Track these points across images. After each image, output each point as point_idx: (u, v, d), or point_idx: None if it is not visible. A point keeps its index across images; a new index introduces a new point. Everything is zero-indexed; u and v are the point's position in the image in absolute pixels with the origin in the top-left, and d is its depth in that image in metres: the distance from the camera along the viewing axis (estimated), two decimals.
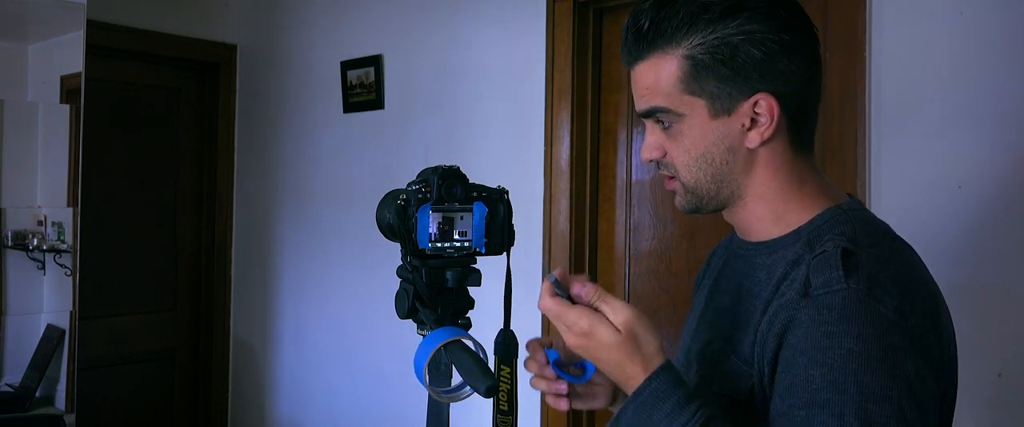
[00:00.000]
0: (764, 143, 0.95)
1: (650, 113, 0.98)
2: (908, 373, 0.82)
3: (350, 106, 3.01)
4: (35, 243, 2.63)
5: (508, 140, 2.55)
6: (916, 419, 0.81)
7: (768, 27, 0.92)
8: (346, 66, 3.00)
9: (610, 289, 2.45)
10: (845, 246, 0.89)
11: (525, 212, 2.28)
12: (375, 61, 2.91)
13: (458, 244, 1.00)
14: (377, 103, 2.92)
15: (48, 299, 2.66)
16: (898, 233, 1.00)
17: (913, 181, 1.77)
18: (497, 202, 1.02)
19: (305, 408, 3.23)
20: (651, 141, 1.00)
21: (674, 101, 0.95)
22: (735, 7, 0.92)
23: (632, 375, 0.87)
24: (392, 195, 1.04)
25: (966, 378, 1.68)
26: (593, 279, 2.47)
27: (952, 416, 0.96)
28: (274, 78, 3.37)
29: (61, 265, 2.61)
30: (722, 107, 0.94)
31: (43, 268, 2.64)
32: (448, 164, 1.01)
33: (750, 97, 0.94)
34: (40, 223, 2.65)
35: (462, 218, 1.00)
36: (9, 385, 2.57)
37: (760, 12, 0.92)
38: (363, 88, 2.96)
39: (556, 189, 2.41)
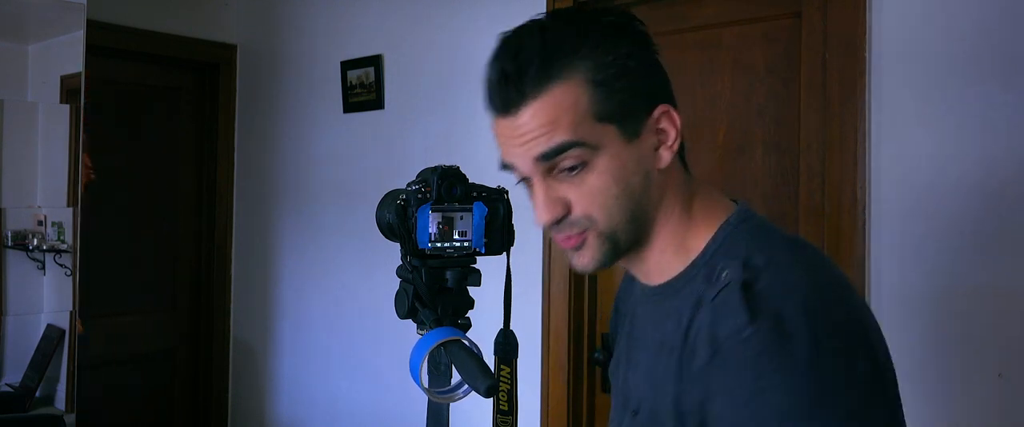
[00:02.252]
0: (670, 162, 0.89)
1: (559, 151, 0.85)
2: (849, 404, 0.75)
3: (350, 106, 3.01)
4: (35, 243, 2.63)
5: None
6: None
7: (640, 41, 0.89)
8: (346, 66, 3.00)
9: (610, 288, 2.45)
10: (743, 278, 0.81)
11: (525, 212, 2.27)
12: (375, 61, 2.91)
13: (458, 244, 1.00)
14: (377, 103, 2.92)
15: (48, 299, 2.66)
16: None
17: (913, 181, 1.77)
18: (497, 202, 1.02)
19: (305, 408, 3.23)
20: (548, 197, 0.87)
21: (586, 132, 0.85)
22: (617, 25, 0.89)
23: None
24: (392, 195, 1.04)
25: (966, 378, 1.68)
26: (593, 279, 2.46)
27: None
28: (274, 78, 3.37)
29: (61, 265, 2.61)
30: (633, 130, 0.87)
31: (43, 268, 2.64)
32: (448, 164, 1.01)
33: (652, 112, 0.88)
34: (40, 223, 2.65)
35: (462, 218, 1.00)
36: (9, 385, 2.57)
37: (631, 28, 0.89)
38: (363, 88, 2.96)
39: None
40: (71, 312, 2.60)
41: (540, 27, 0.88)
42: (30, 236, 2.63)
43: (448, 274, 0.99)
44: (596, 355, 2.37)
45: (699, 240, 0.91)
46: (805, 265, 0.84)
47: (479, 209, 1.01)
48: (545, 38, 0.86)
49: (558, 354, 2.38)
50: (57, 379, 2.60)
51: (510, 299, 1.08)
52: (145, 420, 3.39)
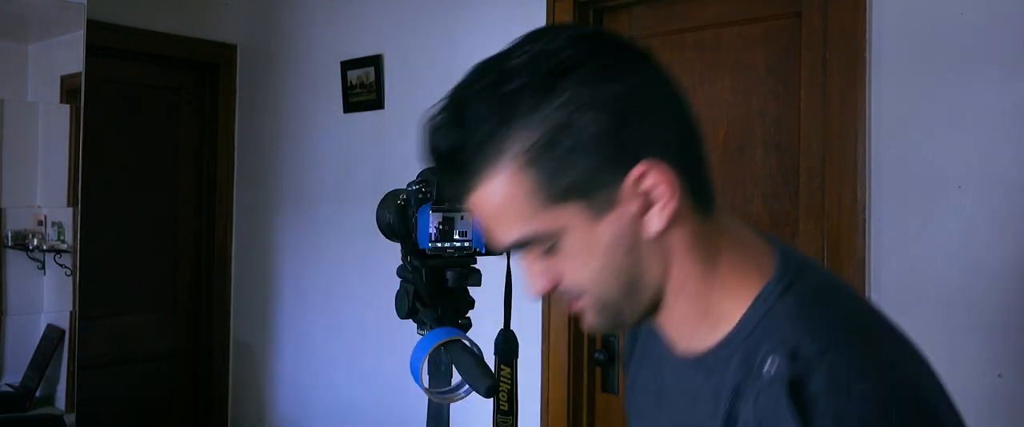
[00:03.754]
0: (670, 224, 0.73)
1: (516, 247, 0.75)
2: None
3: (350, 106, 3.01)
4: (35, 243, 2.63)
5: None
6: None
7: (594, 86, 0.70)
8: (346, 66, 3.00)
9: None
10: (790, 376, 0.67)
11: None
12: (375, 61, 2.91)
13: (458, 244, 1.00)
14: (377, 103, 2.92)
15: (48, 299, 2.66)
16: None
17: (913, 181, 1.77)
18: None
19: (305, 408, 3.23)
20: (535, 271, 0.77)
21: (541, 221, 0.72)
22: (553, 75, 0.70)
23: None
24: (392, 195, 1.04)
25: (966, 378, 1.68)
26: None
27: None
28: (274, 78, 3.37)
29: (61, 265, 2.61)
30: (604, 200, 0.72)
31: (43, 268, 2.64)
32: None
33: (626, 175, 0.71)
34: (40, 223, 2.65)
35: (462, 218, 1.00)
36: (9, 385, 2.57)
37: (585, 70, 0.70)
38: (363, 88, 2.96)
39: None
40: (71, 312, 2.60)
41: (459, 103, 0.75)
42: (30, 236, 2.63)
43: (448, 274, 0.99)
44: (596, 355, 2.37)
45: (731, 307, 0.76)
46: (869, 356, 0.69)
47: None
48: (464, 120, 0.73)
49: (558, 354, 2.38)
50: (57, 379, 2.60)
51: (510, 299, 1.08)
52: (145, 420, 3.39)
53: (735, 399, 0.72)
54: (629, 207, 0.72)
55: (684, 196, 0.73)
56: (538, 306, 2.42)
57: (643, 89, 0.73)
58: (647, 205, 0.73)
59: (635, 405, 0.96)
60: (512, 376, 1.06)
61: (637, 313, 0.78)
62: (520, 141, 0.70)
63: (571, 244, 0.73)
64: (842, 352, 0.68)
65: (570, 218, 0.72)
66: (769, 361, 0.69)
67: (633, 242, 0.74)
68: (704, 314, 0.78)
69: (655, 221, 0.73)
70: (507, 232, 0.74)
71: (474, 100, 0.74)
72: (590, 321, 0.79)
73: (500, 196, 0.72)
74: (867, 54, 1.83)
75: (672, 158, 0.72)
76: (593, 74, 0.70)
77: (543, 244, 0.74)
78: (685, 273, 0.76)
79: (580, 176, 0.71)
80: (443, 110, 0.76)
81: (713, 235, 0.77)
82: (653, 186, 0.72)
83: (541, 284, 0.77)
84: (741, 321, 0.75)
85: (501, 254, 0.84)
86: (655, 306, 0.78)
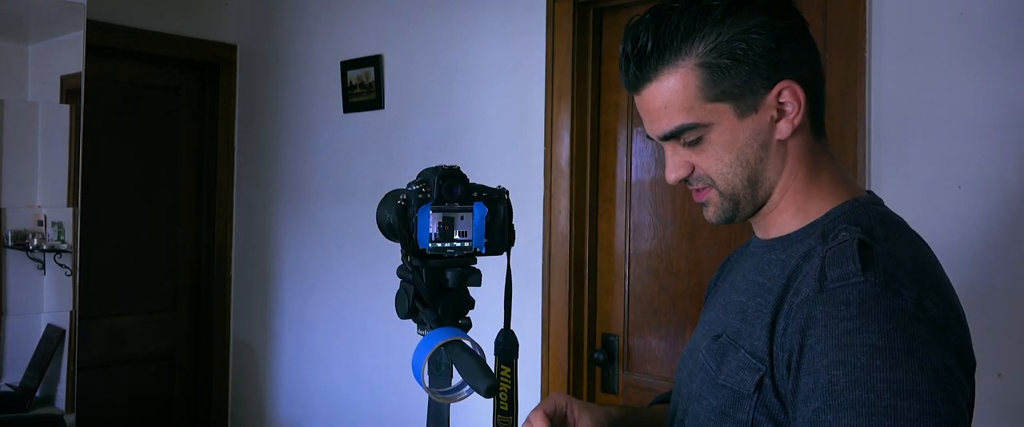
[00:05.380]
0: (793, 133, 0.95)
1: (676, 134, 0.95)
2: (936, 366, 0.79)
3: (350, 106, 3.01)
4: (35, 243, 2.63)
5: (508, 140, 2.55)
6: (950, 413, 0.77)
7: (769, 16, 0.92)
8: (346, 66, 3.00)
9: (610, 289, 2.45)
10: (861, 238, 0.87)
11: (525, 212, 2.28)
12: (375, 61, 2.91)
13: (458, 244, 1.00)
14: (377, 103, 2.92)
15: (48, 299, 2.66)
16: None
17: (913, 181, 1.77)
18: (497, 202, 1.02)
19: (305, 408, 3.23)
20: (676, 161, 0.97)
21: (698, 113, 0.93)
22: (734, 4, 0.91)
23: None
24: (392, 195, 1.04)
25: None
26: (593, 279, 2.46)
27: (972, 414, 0.91)
28: (274, 78, 3.37)
29: (61, 265, 2.61)
30: (748, 105, 0.93)
31: (43, 268, 2.64)
32: (448, 164, 1.01)
33: (772, 88, 0.93)
34: (40, 223, 2.65)
35: (462, 218, 1.00)
36: (9, 385, 2.57)
37: (757, 4, 0.92)
38: (363, 88, 2.96)
39: (556, 189, 2.41)
40: (71, 312, 2.60)
41: (661, 13, 0.93)
42: (30, 236, 2.63)
43: (448, 274, 0.99)
44: (596, 355, 2.37)
45: (822, 206, 0.97)
46: (924, 255, 0.91)
47: (479, 209, 1.01)
48: (661, 26, 0.92)
49: (558, 354, 2.39)
50: (57, 379, 2.60)
51: (510, 299, 1.08)
52: (145, 420, 3.39)
53: (806, 259, 0.91)
54: (767, 114, 0.94)
55: (806, 115, 0.95)
56: (538, 306, 2.42)
57: (797, 29, 0.95)
58: (780, 115, 0.94)
59: (704, 314, 1.14)
60: (512, 376, 1.06)
61: (752, 205, 0.98)
62: (700, 48, 0.91)
63: (716, 137, 0.94)
64: (906, 250, 0.88)
65: (720, 115, 0.93)
66: (844, 233, 0.89)
67: (764, 142, 0.95)
68: (797, 209, 0.98)
69: (784, 127, 0.94)
70: (669, 120, 0.94)
71: (674, 11, 0.92)
72: (711, 211, 0.99)
73: (671, 90, 0.93)
74: (867, 54, 1.83)
75: (804, 84, 0.94)
76: (766, 7, 0.92)
77: (695, 133, 0.94)
78: (794, 175, 0.97)
79: (737, 83, 0.92)
80: (647, 13, 0.95)
81: (819, 154, 0.98)
82: (788, 101, 0.94)
83: (677, 173, 0.97)
84: (828, 213, 0.96)
85: (660, 140, 0.97)
86: (764, 202, 0.98)
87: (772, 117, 0.94)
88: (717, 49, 0.91)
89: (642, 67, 0.94)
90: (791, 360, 0.86)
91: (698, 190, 0.99)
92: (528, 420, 1.06)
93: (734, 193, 0.96)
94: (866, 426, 0.76)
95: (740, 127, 0.93)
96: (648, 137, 1.01)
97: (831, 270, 0.85)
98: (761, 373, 0.89)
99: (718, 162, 0.95)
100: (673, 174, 0.98)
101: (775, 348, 0.89)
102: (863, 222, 0.91)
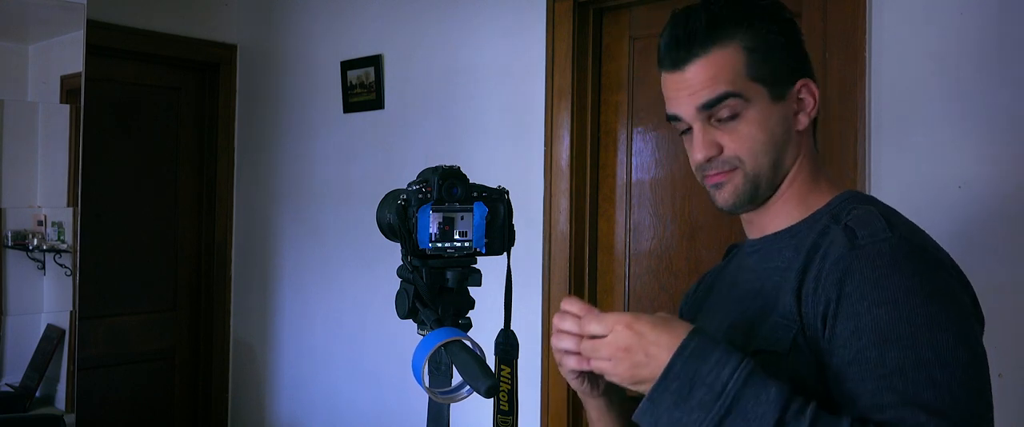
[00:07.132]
0: (806, 129, 1.05)
1: (717, 101, 1.00)
2: (965, 306, 0.92)
3: (350, 106, 3.01)
4: (35, 243, 2.63)
5: (508, 140, 2.55)
6: (978, 348, 0.89)
7: (788, 24, 1.05)
8: (346, 66, 3.00)
9: (610, 289, 2.44)
10: (882, 210, 0.98)
11: (525, 212, 2.28)
12: (375, 61, 2.91)
13: (458, 244, 1.00)
14: (377, 103, 2.92)
15: (48, 299, 2.67)
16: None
17: (913, 181, 1.77)
18: (497, 202, 1.02)
19: (305, 408, 3.23)
20: (706, 140, 1.02)
21: (742, 87, 1.00)
22: (770, 8, 1.04)
23: (667, 342, 0.88)
24: (392, 195, 1.04)
25: None
26: (593, 279, 2.46)
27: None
28: (274, 78, 3.37)
29: (61, 265, 2.61)
30: (779, 93, 1.02)
31: (43, 268, 2.64)
32: (448, 164, 1.01)
33: (796, 82, 1.04)
34: (40, 223, 2.65)
35: (462, 218, 1.00)
36: (9, 385, 2.57)
37: (780, 13, 1.05)
38: (363, 88, 2.96)
39: (556, 189, 2.41)
40: (71, 312, 2.60)
41: (707, 4, 1.03)
42: (30, 236, 2.63)
43: (449, 274, 0.99)
44: None
45: (821, 199, 1.05)
46: (928, 237, 0.99)
47: (479, 209, 1.01)
48: (711, 11, 1.02)
49: None
50: (57, 379, 2.60)
51: (511, 299, 1.08)
52: (145, 420, 3.39)
53: (821, 236, 0.98)
54: (790, 105, 1.04)
55: (816, 114, 1.06)
56: (538, 306, 2.42)
57: (800, 37, 1.07)
58: (799, 108, 1.04)
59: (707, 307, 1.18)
60: (512, 376, 1.06)
61: (769, 190, 1.04)
62: (743, 35, 1.01)
63: (752, 115, 1.01)
64: (913, 226, 0.98)
65: (758, 95, 1.01)
66: (860, 208, 0.98)
67: (788, 128, 1.04)
68: (800, 201, 1.05)
69: (804, 119, 1.05)
70: (714, 89, 1.00)
71: (719, 7, 1.02)
72: (729, 192, 1.04)
73: (719, 65, 1.01)
74: (867, 54, 1.83)
75: (818, 84, 1.06)
76: (787, 10, 1.05)
77: (734, 105, 1.00)
78: (801, 167, 1.05)
79: (772, 69, 1.02)
80: (695, 7, 1.03)
81: (817, 156, 1.09)
82: (807, 96, 1.05)
83: (707, 151, 1.02)
84: (829, 203, 1.04)
85: (699, 110, 1.01)
86: (776, 186, 1.05)
87: (794, 109, 1.04)
88: (757, 38, 1.01)
89: (693, 43, 1.01)
90: (827, 311, 0.92)
91: (718, 172, 1.04)
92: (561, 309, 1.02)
93: (758, 174, 1.02)
94: (912, 356, 0.85)
95: (772, 110, 1.02)
96: (670, 118, 1.06)
97: (860, 230, 0.94)
98: (794, 331, 0.95)
99: (751, 140, 1.01)
100: (701, 153, 1.02)
101: (804, 309, 0.95)
102: (871, 203, 1.01)
